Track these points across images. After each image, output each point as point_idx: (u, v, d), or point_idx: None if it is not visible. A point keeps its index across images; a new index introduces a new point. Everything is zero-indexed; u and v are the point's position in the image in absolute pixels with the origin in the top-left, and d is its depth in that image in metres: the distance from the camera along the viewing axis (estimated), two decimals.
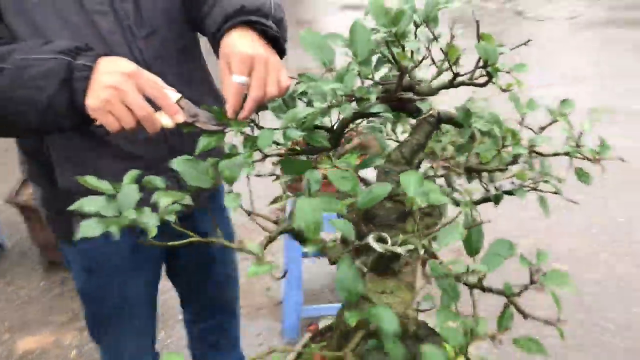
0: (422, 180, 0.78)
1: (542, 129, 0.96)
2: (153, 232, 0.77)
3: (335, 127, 0.93)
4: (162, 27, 1.21)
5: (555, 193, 0.94)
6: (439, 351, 0.73)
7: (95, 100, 0.94)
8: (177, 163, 0.83)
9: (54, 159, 1.22)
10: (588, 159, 0.89)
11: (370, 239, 0.81)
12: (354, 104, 0.88)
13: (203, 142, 0.89)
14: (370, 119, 1.05)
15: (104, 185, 0.77)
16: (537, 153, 0.93)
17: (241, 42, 0.98)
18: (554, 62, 5.57)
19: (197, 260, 1.64)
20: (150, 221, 0.79)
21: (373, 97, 0.85)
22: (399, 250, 0.79)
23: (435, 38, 0.89)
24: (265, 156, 0.87)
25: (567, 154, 0.91)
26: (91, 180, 0.78)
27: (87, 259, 1.39)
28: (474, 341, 0.76)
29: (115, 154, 1.22)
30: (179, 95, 0.99)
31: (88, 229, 0.74)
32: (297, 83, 0.97)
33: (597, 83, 5.09)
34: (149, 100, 0.95)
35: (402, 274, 1.11)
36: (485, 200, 0.99)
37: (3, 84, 0.95)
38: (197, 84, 1.32)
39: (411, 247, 0.80)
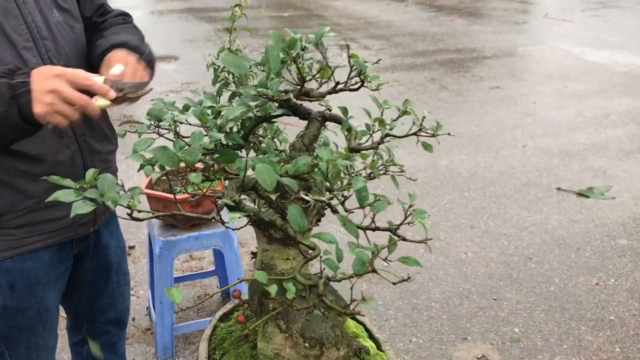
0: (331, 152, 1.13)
1: (394, 120, 1.37)
2: (136, 205, 1.01)
3: (245, 129, 1.26)
4: (73, 60, 1.45)
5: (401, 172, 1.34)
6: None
7: (41, 106, 1.15)
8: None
9: None
10: (430, 135, 1.31)
11: (301, 194, 1.14)
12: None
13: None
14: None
15: (69, 182, 0.98)
16: (393, 136, 1.33)
17: (120, 51, 1.37)
18: None
19: (97, 270, 1.75)
20: (124, 200, 1.03)
21: (292, 97, 1.18)
22: (323, 199, 1.13)
23: (324, 58, 1.25)
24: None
25: (415, 133, 1.32)
26: (61, 181, 0.98)
27: (10, 275, 1.47)
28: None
29: (42, 172, 1.37)
30: (103, 77, 1.24)
31: (80, 207, 0.95)
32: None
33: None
34: (82, 91, 1.18)
35: (295, 245, 1.45)
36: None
37: None
38: None
39: (330, 196, 1.14)
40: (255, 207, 1.35)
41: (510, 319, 2.84)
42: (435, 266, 3.26)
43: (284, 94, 1.23)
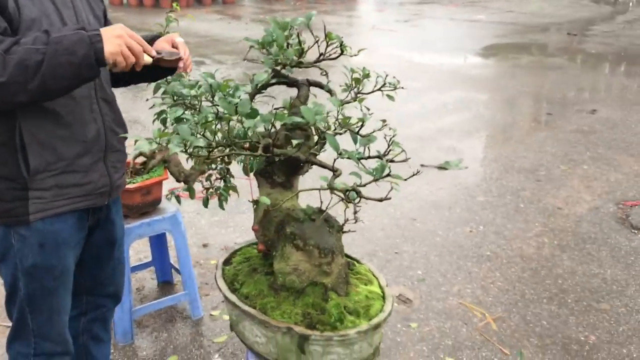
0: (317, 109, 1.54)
1: (365, 76, 1.80)
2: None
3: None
4: None
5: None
6: None
7: (111, 46, 1.48)
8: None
9: (27, 144, 1.59)
10: (395, 87, 1.77)
11: (294, 142, 1.54)
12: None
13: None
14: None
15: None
16: (363, 94, 1.77)
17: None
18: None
19: (103, 244, 1.98)
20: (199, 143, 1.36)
21: (303, 62, 1.57)
22: (340, 132, 1.53)
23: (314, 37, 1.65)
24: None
25: (380, 89, 1.78)
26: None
27: (41, 235, 1.68)
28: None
29: (73, 137, 1.64)
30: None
31: (175, 147, 1.28)
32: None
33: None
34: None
35: (294, 187, 1.84)
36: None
37: (46, 57, 1.41)
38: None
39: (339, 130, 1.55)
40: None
41: (412, 266, 3.40)
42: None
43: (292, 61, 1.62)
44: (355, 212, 1.49)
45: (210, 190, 2.68)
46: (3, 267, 1.76)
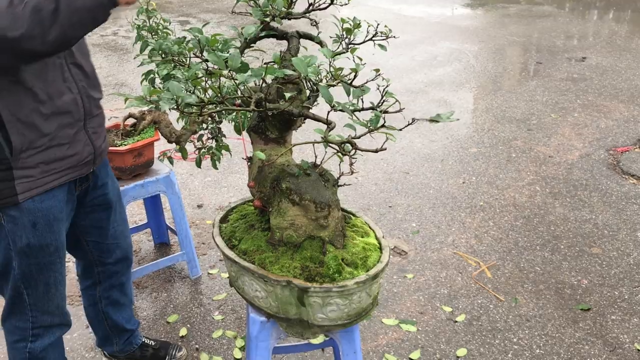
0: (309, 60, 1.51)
1: (356, 26, 1.77)
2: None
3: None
4: None
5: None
6: None
7: None
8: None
9: (7, 122, 1.55)
10: (386, 37, 1.75)
11: (286, 95, 1.52)
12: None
13: None
14: None
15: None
16: (354, 44, 1.74)
17: None
18: None
19: (99, 210, 1.98)
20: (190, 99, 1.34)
21: (292, 12, 1.54)
22: (333, 84, 1.52)
23: None
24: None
25: (371, 39, 1.75)
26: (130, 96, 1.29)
27: (32, 215, 1.68)
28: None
29: (52, 111, 1.62)
30: None
31: (166, 104, 1.26)
32: None
33: None
34: None
35: (287, 143, 1.83)
36: None
37: (60, 4, 1.37)
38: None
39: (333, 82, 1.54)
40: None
41: (406, 218, 3.42)
42: None
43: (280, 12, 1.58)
44: (351, 164, 1.49)
45: (203, 150, 2.67)
46: None
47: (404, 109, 1.64)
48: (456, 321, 2.59)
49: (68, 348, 2.45)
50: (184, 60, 1.68)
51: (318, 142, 1.47)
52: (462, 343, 2.46)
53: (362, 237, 1.82)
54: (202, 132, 2.68)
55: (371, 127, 1.49)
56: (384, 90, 1.62)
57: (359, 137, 1.53)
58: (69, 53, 1.69)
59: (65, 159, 1.71)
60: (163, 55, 1.72)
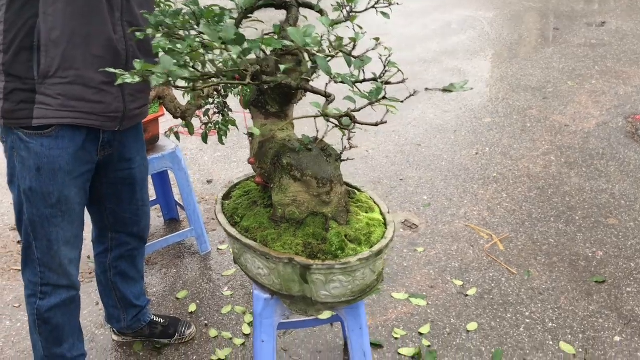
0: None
1: None
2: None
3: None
4: None
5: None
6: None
7: None
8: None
9: (42, 44, 1.59)
10: (390, 3, 1.68)
11: (281, 67, 1.46)
12: None
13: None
14: None
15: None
16: (356, 12, 1.68)
17: None
18: None
19: (121, 182, 1.98)
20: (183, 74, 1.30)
21: None
22: (332, 54, 1.46)
23: None
24: None
25: (374, 6, 1.69)
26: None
27: (39, 159, 1.69)
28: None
29: (90, 52, 1.66)
30: None
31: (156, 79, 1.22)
32: None
33: None
34: None
35: (288, 117, 1.78)
36: None
37: None
38: None
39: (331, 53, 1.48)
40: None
41: (418, 191, 3.37)
42: (345, 166, 3.69)
43: None
44: (349, 139, 1.44)
45: (209, 125, 2.64)
46: (12, 189, 1.80)
47: (407, 79, 1.58)
48: (467, 295, 2.55)
49: None
50: (184, 33, 1.63)
51: (315, 117, 1.43)
52: (473, 317, 2.43)
53: (367, 212, 1.78)
54: (208, 106, 2.64)
55: (372, 99, 1.43)
56: (386, 60, 1.56)
57: (358, 110, 1.48)
58: (127, 9, 1.71)
59: (89, 102, 1.71)
60: (161, 29, 1.67)
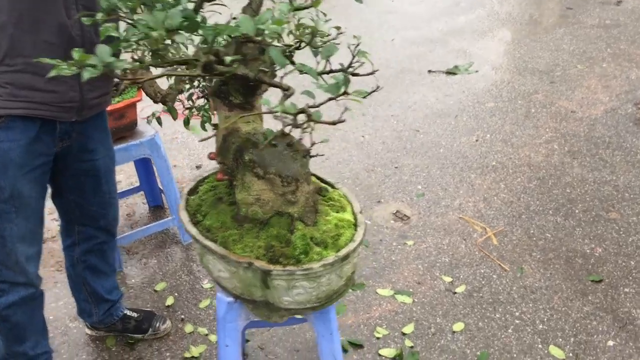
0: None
1: None
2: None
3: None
4: None
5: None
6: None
7: None
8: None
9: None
10: None
11: (227, 58, 1.33)
12: None
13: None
14: None
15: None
16: None
17: None
18: None
19: (84, 175, 1.88)
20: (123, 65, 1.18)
21: None
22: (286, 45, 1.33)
23: None
24: None
25: None
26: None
27: None
28: None
29: (41, 38, 1.55)
30: None
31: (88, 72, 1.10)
32: None
33: None
34: None
35: (255, 108, 1.66)
36: None
37: None
38: None
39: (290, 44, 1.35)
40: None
41: (412, 180, 3.24)
42: (340, 151, 3.58)
43: None
44: (303, 139, 1.32)
45: (193, 110, 2.52)
46: None
47: (377, 70, 1.45)
48: (455, 292, 2.44)
49: (52, 317, 2.39)
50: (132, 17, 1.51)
51: (264, 113, 1.31)
52: (460, 317, 2.32)
53: (338, 212, 1.66)
54: (192, 90, 2.52)
55: (333, 94, 1.31)
56: (355, 48, 1.43)
57: (317, 106, 1.35)
58: None
59: (40, 91, 1.60)
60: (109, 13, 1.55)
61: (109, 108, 2.43)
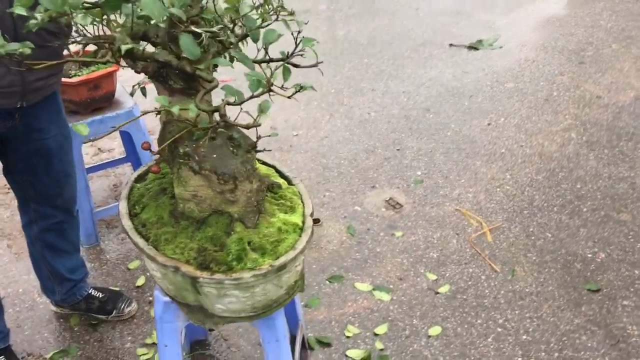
0: None
1: None
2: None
3: None
4: None
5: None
6: None
7: None
8: None
9: None
10: None
11: (191, 27, 1.18)
12: None
13: None
14: None
15: None
16: None
17: None
18: None
19: (34, 155, 1.79)
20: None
21: None
22: (214, 29, 1.17)
23: None
24: None
25: None
26: None
27: None
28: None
29: None
30: None
31: None
32: None
33: None
34: None
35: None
36: None
37: None
38: None
39: (220, 26, 1.19)
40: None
41: (412, 165, 3.06)
42: (341, 129, 3.40)
43: None
44: (213, 138, 1.18)
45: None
46: None
47: (321, 62, 1.28)
48: (438, 292, 2.28)
49: (21, 290, 2.35)
50: None
51: (156, 111, 1.16)
52: (439, 320, 2.17)
53: (285, 213, 1.52)
54: None
55: (253, 91, 1.15)
56: (297, 37, 1.26)
57: (240, 103, 1.20)
58: None
59: None
60: None
61: (81, 78, 2.33)
